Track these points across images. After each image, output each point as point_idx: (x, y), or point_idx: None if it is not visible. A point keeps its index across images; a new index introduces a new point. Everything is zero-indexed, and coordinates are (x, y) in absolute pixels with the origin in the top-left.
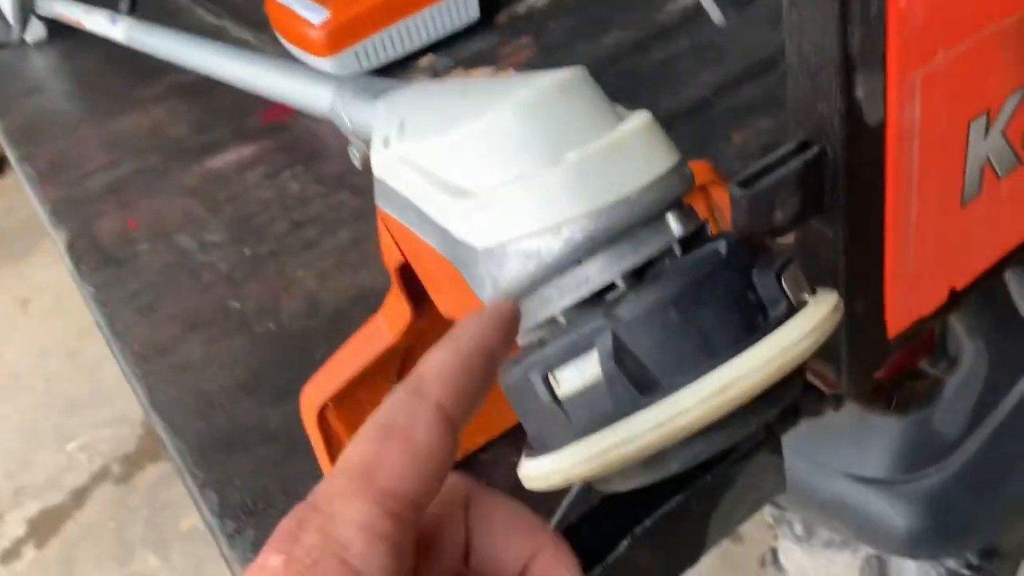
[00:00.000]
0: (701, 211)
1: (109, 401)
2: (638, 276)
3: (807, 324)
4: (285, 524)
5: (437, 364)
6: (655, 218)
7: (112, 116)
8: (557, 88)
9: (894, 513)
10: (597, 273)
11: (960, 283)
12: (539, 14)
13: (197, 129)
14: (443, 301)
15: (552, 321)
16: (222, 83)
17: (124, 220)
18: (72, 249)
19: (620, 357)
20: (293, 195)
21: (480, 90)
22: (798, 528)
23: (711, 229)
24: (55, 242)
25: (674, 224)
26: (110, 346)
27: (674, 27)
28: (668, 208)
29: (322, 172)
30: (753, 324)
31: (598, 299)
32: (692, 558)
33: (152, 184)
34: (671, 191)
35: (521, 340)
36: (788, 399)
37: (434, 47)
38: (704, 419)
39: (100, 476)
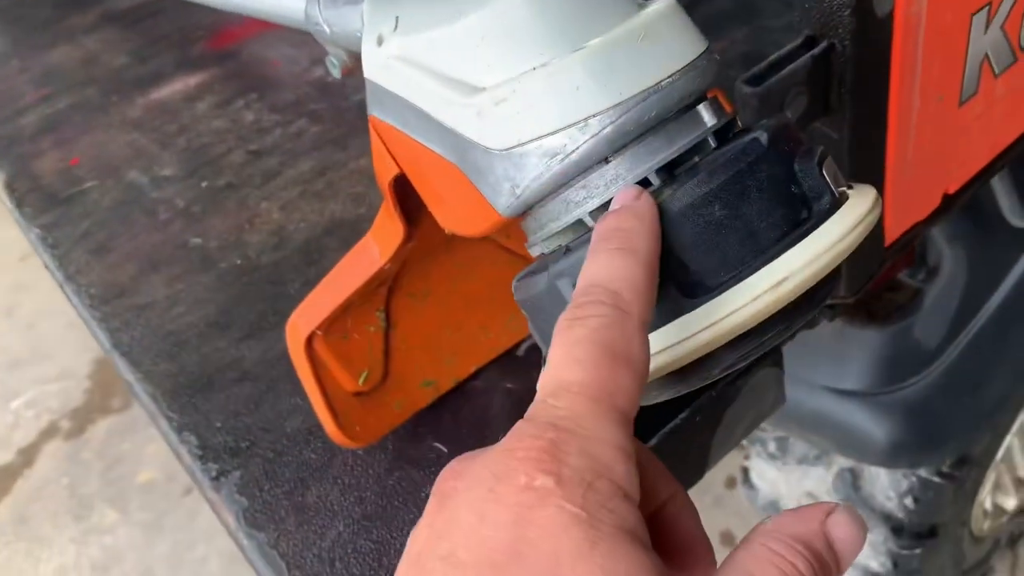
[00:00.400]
0: None
1: (51, 356)
2: (670, 173)
3: (854, 216)
4: (531, 444)
5: (629, 278)
6: (686, 109)
7: (41, 49)
8: None
9: (875, 425)
10: (628, 170)
11: (953, 186)
12: None
13: (137, 59)
14: (446, 214)
15: (579, 225)
16: (160, 9)
17: (65, 157)
18: (11, 190)
19: (661, 258)
20: (248, 124)
21: None
22: (771, 446)
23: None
24: None
25: (707, 115)
26: (64, 290)
27: None
28: (700, 98)
29: (277, 100)
30: (798, 217)
31: None
32: (696, 475)
33: (92, 119)
34: (703, 79)
35: (540, 248)
36: (830, 295)
37: None
38: (756, 318)
39: (49, 432)
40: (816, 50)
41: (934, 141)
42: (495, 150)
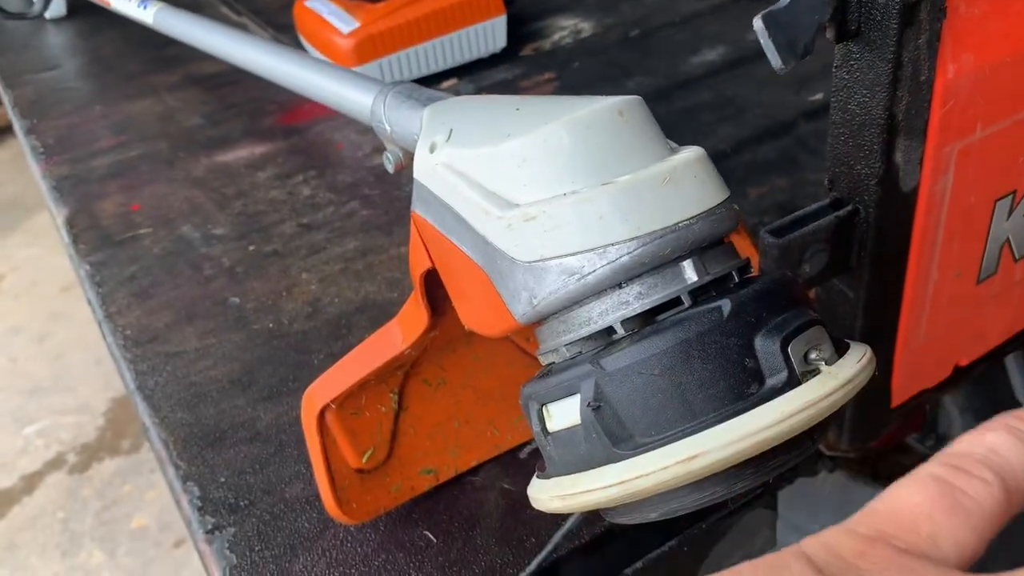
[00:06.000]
0: None
1: (73, 388)
2: (694, 299)
3: (801, 400)
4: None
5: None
6: (702, 250)
7: (125, 99)
8: (615, 111)
9: None
10: (637, 296)
11: (965, 359)
12: (563, 52)
13: (210, 122)
14: (467, 312)
15: (584, 341)
16: (239, 79)
17: (127, 203)
18: (71, 225)
19: (598, 406)
20: (303, 199)
21: (535, 106)
22: None
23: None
24: (53, 218)
25: (689, 272)
26: (101, 327)
27: (696, 80)
28: (716, 242)
29: (335, 180)
30: (743, 391)
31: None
32: None
33: (159, 171)
34: (719, 225)
35: (549, 357)
36: (783, 468)
37: (458, 71)
38: (666, 485)
39: (55, 464)
40: (841, 212)
41: (949, 313)
42: (519, 261)
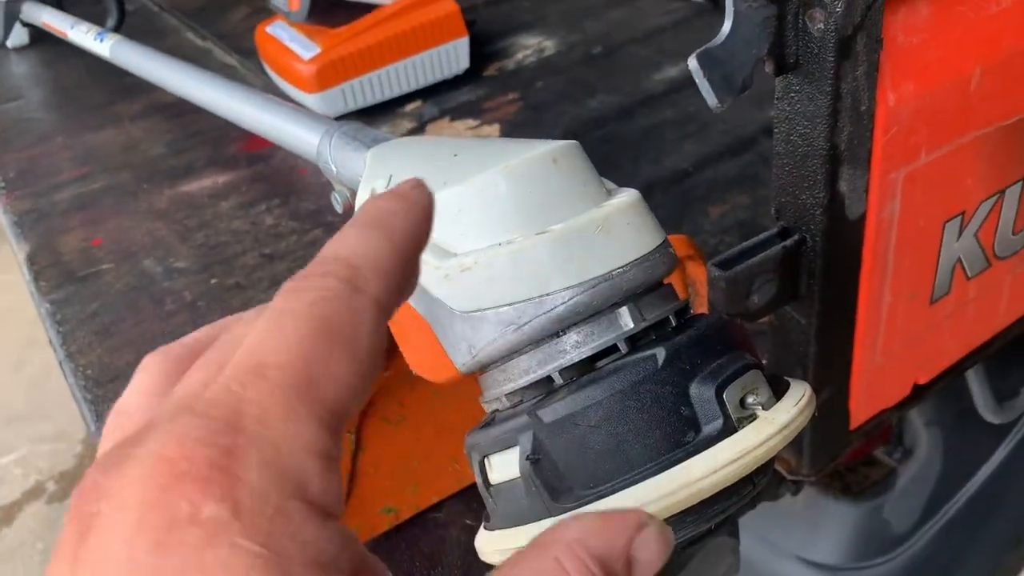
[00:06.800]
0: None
1: (51, 416)
2: (633, 344)
3: (737, 448)
4: (198, 455)
5: (372, 255)
6: (639, 296)
7: (88, 129)
8: (549, 158)
9: None
10: (575, 345)
11: (924, 378)
12: (527, 71)
13: (173, 151)
14: (413, 356)
15: (526, 390)
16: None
17: (89, 237)
18: (32, 262)
19: (537, 459)
20: (266, 228)
21: (472, 152)
22: None
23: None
24: (14, 253)
25: (625, 319)
26: (62, 367)
27: (659, 97)
28: (648, 290)
29: (298, 208)
30: (679, 440)
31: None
32: None
33: (121, 203)
34: (655, 271)
35: (492, 405)
36: (725, 514)
37: (422, 93)
38: None
39: (33, 493)
40: (788, 242)
41: (905, 334)
42: (457, 311)
